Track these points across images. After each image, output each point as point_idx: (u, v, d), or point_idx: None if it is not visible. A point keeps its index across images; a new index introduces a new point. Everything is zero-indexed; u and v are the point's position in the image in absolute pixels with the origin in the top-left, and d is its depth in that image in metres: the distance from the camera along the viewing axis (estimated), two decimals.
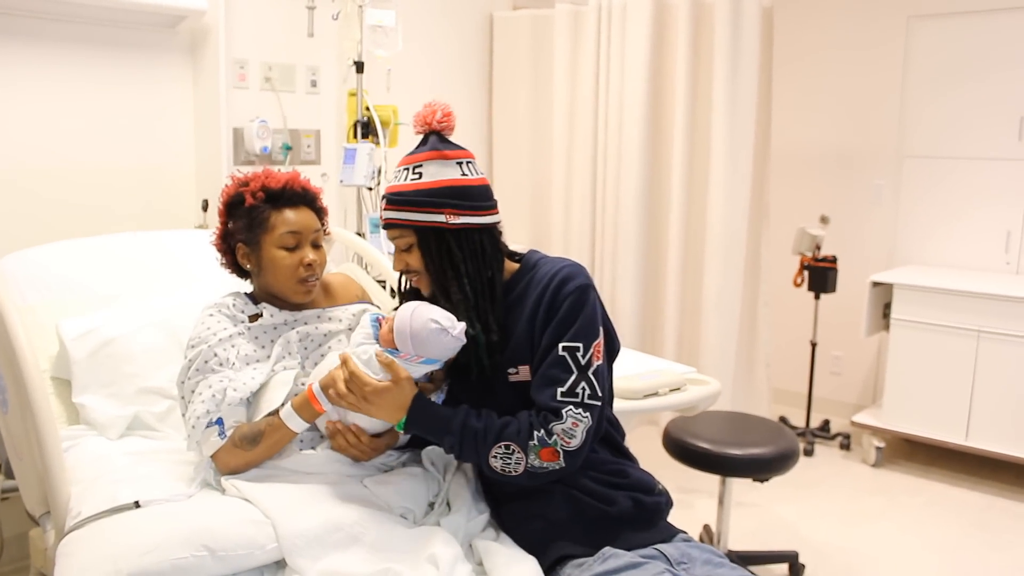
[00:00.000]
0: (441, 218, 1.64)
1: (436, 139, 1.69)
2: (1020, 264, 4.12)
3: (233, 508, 1.60)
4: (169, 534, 1.50)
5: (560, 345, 1.59)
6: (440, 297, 1.68)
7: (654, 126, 3.98)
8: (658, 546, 1.59)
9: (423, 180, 1.65)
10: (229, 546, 1.50)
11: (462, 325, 1.61)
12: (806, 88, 4.69)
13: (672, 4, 3.90)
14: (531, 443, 1.55)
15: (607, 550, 1.55)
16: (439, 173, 1.66)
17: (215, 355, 1.78)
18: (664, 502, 1.71)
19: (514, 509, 1.68)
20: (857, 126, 4.57)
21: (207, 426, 1.71)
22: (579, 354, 1.58)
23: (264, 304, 1.90)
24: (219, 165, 3.15)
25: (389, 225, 1.69)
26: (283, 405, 1.73)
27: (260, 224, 1.85)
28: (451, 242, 1.66)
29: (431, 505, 1.72)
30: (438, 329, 1.59)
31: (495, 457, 1.57)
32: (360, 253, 2.93)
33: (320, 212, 1.95)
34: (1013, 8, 4.02)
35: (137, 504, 1.67)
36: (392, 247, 1.73)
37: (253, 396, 1.79)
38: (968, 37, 4.16)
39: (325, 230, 1.98)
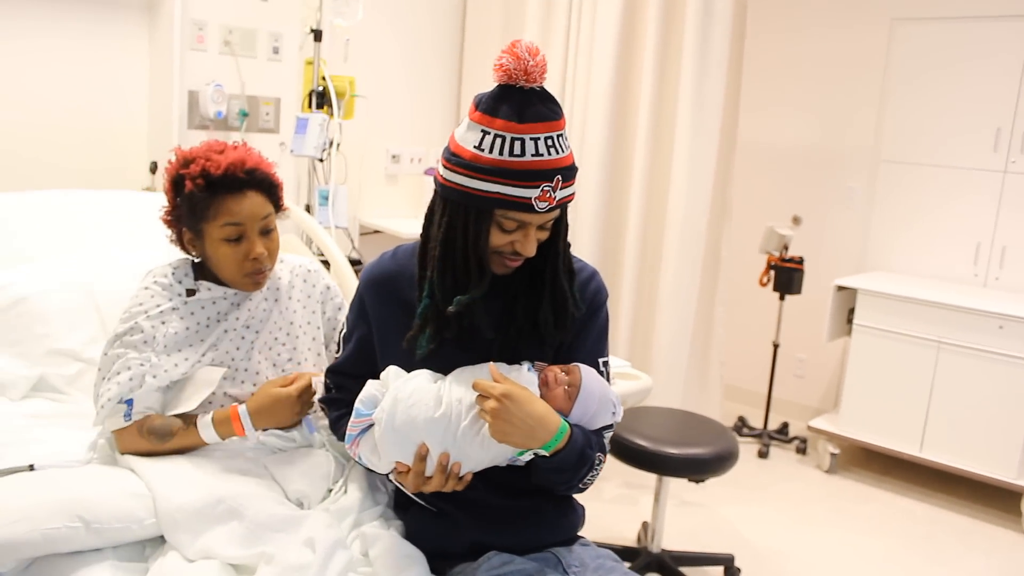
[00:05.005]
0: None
1: (545, 93, 1.38)
2: (988, 276, 4.07)
3: (114, 479, 1.55)
4: (41, 502, 1.45)
5: (600, 360, 1.54)
6: (554, 278, 1.47)
7: (619, 118, 3.89)
8: (553, 549, 1.54)
9: (570, 150, 1.41)
10: (105, 518, 1.45)
11: (621, 411, 1.48)
12: (784, 86, 4.61)
13: None
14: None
15: (492, 555, 1.48)
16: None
17: (142, 331, 1.67)
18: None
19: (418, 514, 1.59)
20: (834, 127, 4.50)
21: (116, 403, 1.63)
22: (607, 370, 1.56)
23: (201, 282, 1.77)
24: (171, 128, 3.07)
25: (563, 204, 1.40)
26: (200, 413, 1.65)
27: (200, 214, 1.67)
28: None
29: (329, 491, 1.66)
30: (612, 412, 1.45)
31: (596, 470, 1.44)
32: (306, 231, 2.86)
33: (273, 191, 1.74)
34: (996, 16, 3.95)
35: (32, 467, 1.62)
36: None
37: (173, 383, 1.70)
38: (951, 43, 4.08)
39: (280, 207, 1.77)
